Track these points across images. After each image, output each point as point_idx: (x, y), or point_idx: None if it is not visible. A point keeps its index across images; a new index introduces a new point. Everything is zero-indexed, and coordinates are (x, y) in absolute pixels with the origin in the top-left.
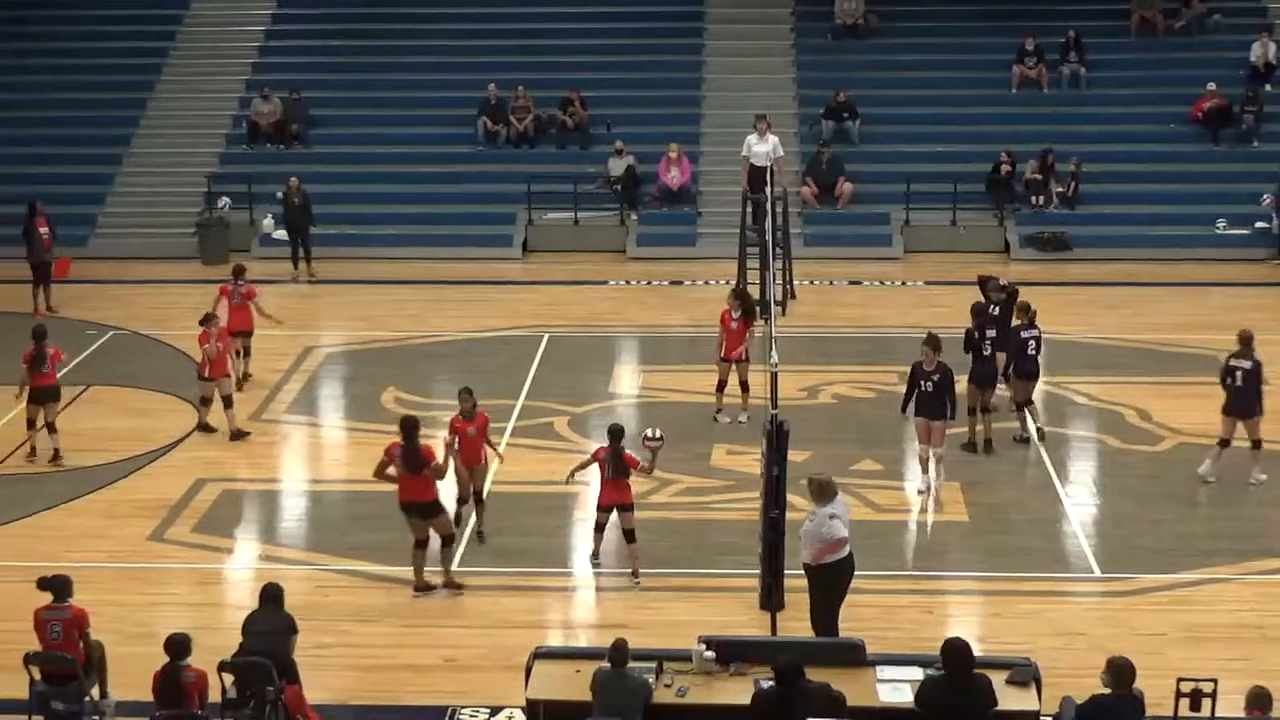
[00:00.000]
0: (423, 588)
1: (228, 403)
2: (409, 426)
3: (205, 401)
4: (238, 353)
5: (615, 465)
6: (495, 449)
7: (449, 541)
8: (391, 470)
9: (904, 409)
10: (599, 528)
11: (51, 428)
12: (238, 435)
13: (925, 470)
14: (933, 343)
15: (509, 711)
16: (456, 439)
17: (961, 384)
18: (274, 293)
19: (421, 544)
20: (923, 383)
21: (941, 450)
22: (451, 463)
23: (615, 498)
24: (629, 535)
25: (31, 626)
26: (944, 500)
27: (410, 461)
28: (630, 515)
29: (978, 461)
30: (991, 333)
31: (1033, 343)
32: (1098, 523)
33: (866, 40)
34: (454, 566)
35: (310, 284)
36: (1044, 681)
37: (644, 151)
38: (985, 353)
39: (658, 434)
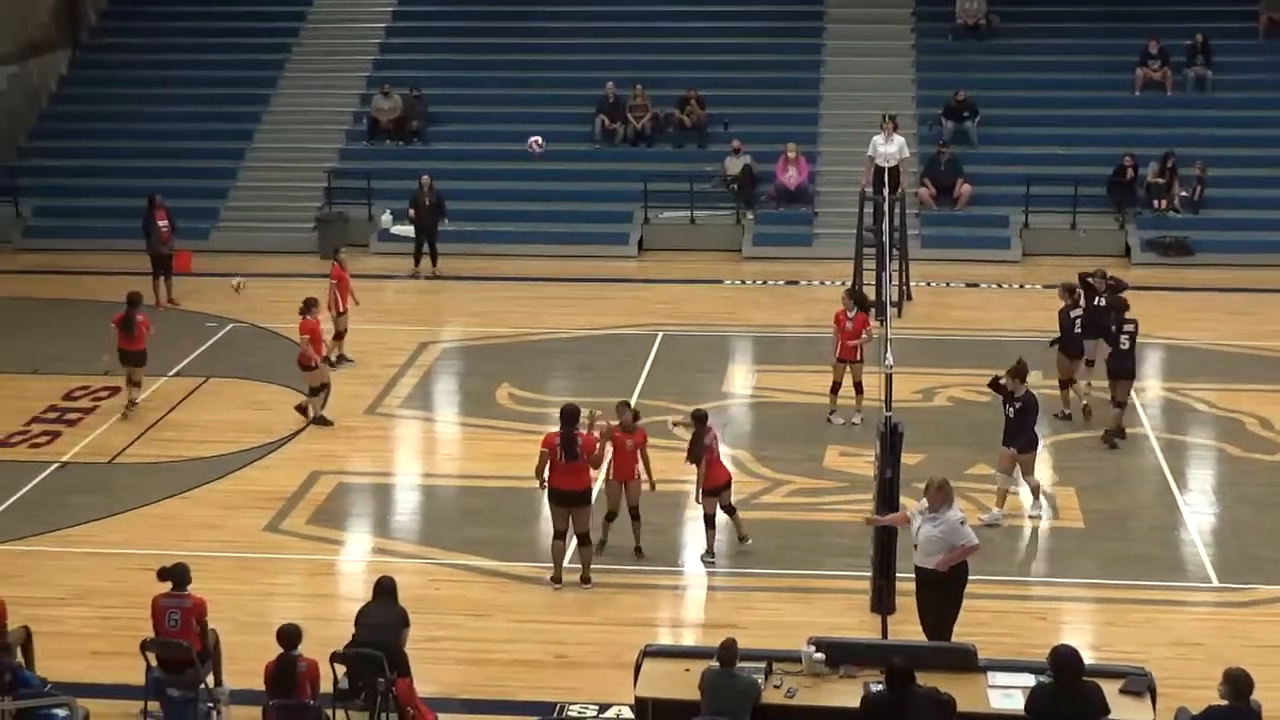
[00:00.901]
0: (559, 579)
1: (310, 390)
2: (568, 414)
3: (314, 392)
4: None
5: (695, 447)
6: (649, 473)
7: (585, 541)
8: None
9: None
10: (710, 521)
11: (135, 383)
12: (318, 421)
13: (1001, 503)
14: (1019, 372)
15: (617, 709)
16: (611, 446)
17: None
18: (393, 288)
19: (560, 534)
20: (1006, 407)
21: (1035, 479)
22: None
23: (718, 479)
24: (730, 510)
25: (149, 613)
26: (1060, 506)
27: (568, 448)
28: (728, 492)
29: (1095, 467)
30: (1130, 327)
31: (1078, 321)
32: (1216, 531)
33: (987, 41)
34: (566, 564)
35: (429, 280)
36: (1159, 692)
37: (761, 151)
38: (1124, 346)
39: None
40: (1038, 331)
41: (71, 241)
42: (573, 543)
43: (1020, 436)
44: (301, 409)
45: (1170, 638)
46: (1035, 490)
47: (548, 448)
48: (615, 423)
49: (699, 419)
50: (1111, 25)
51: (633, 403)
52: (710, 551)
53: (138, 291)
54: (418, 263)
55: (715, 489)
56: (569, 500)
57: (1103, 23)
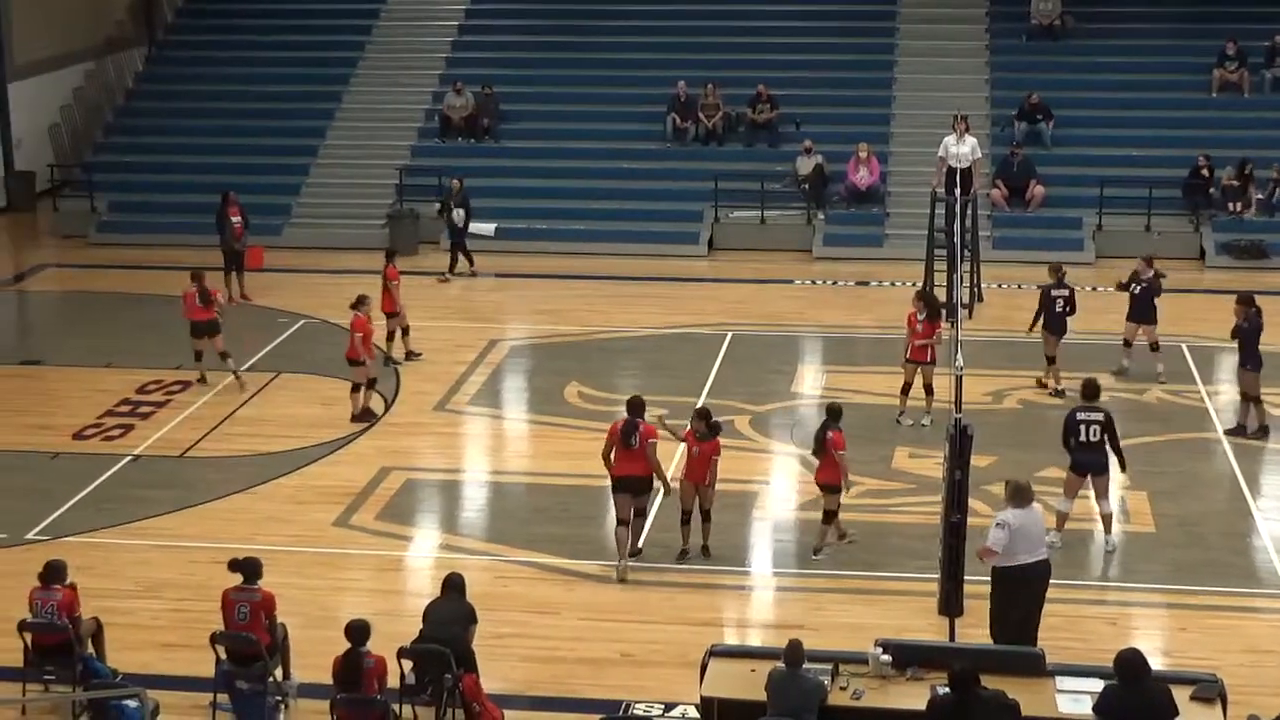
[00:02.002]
0: (623, 572)
1: (368, 384)
2: (634, 405)
3: (356, 388)
4: (391, 334)
5: (816, 440)
6: (711, 483)
7: (641, 514)
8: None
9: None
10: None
11: (224, 356)
12: (363, 416)
13: (1060, 526)
14: (1091, 391)
15: (683, 708)
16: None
17: None
18: (461, 285)
19: (624, 523)
20: (1083, 429)
21: (1111, 507)
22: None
23: (823, 478)
24: (829, 516)
25: (219, 606)
26: (1131, 510)
27: (626, 436)
28: (834, 497)
29: (1167, 472)
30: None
31: (1060, 301)
32: None
33: (1062, 41)
34: (629, 561)
35: (467, 278)
36: (1230, 699)
37: (833, 151)
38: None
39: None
40: (1112, 334)
41: (145, 237)
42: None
43: (1102, 459)
44: (358, 417)
45: (1242, 645)
46: (1059, 520)
47: (611, 437)
48: (687, 427)
49: (831, 412)
50: (1188, 26)
51: (700, 401)
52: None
53: (200, 269)
54: (471, 263)
55: (821, 484)
56: (628, 487)
57: (1179, 24)
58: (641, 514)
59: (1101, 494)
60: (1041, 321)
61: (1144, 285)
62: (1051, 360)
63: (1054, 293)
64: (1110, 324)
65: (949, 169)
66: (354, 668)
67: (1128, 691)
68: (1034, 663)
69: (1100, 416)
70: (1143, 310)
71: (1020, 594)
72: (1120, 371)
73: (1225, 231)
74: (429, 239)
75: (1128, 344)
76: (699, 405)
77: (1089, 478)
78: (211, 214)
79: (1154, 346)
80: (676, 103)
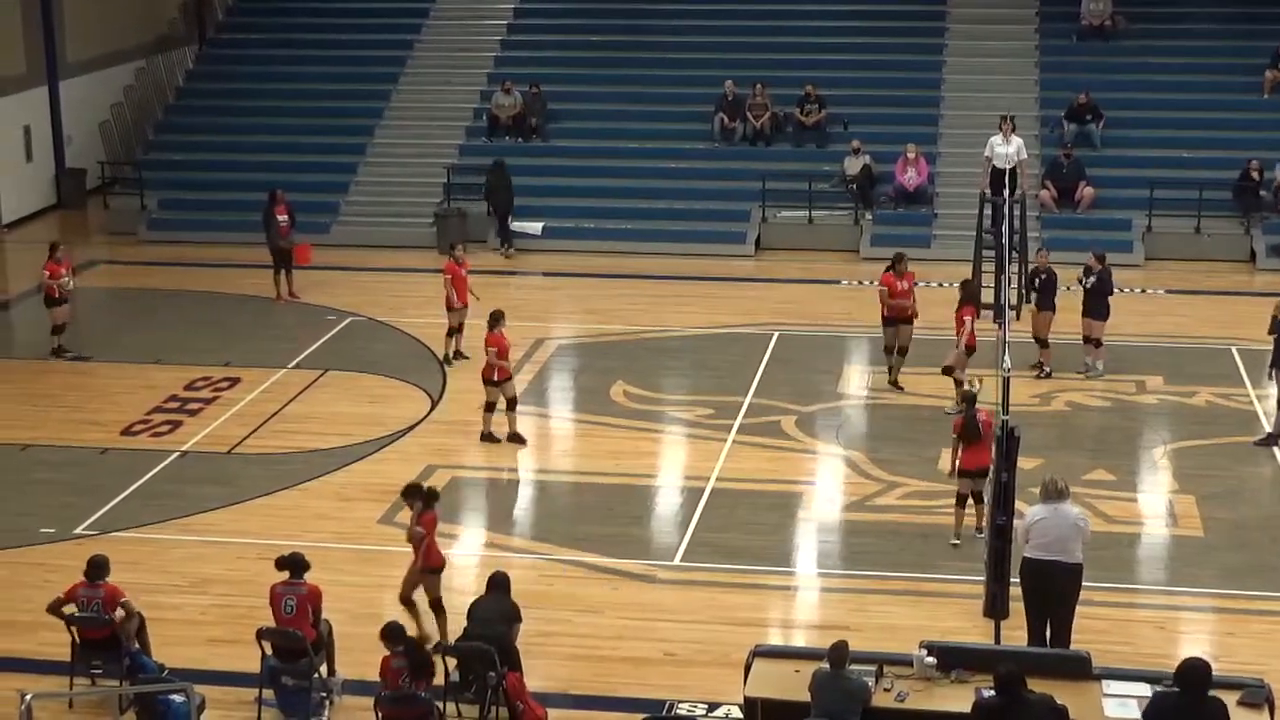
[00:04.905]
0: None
1: (512, 404)
2: (898, 258)
3: (490, 407)
4: (450, 332)
5: (968, 426)
6: (416, 560)
7: (899, 352)
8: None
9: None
10: (960, 501)
11: (59, 330)
12: (515, 438)
13: None
14: None
15: (727, 708)
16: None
17: None
18: (513, 284)
19: (888, 350)
20: None
21: None
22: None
23: (971, 462)
24: (979, 498)
25: (266, 602)
26: (1179, 514)
27: (891, 283)
28: (984, 479)
29: (1216, 476)
30: None
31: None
32: None
33: (1112, 42)
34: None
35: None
36: (1277, 705)
37: (881, 151)
38: None
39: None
40: (1161, 336)
41: (195, 234)
42: None
43: None
44: (516, 437)
45: None
46: None
47: (885, 284)
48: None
49: (969, 400)
50: (1239, 27)
51: (746, 401)
52: (979, 528)
53: (55, 241)
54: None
55: (968, 471)
56: (890, 322)
57: (1230, 25)
58: (901, 352)
59: None
60: (1035, 303)
61: (1095, 279)
62: (1044, 343)
63: (1042, 276)
64: (1164, 326)
65: (994, 169)
66: (423, 665)
67: (1182, 701)
68: (1081, 666)
69: None
70: (1095, 306)
71: (1027, 586)
72: (1086, 371)
73: (1276, 234)
74: (477, 238)
75: (1087, 340)
76: (410, 483)
77: None
78: (260, 212)
79: (1097, 343)
80: (724, 102)
